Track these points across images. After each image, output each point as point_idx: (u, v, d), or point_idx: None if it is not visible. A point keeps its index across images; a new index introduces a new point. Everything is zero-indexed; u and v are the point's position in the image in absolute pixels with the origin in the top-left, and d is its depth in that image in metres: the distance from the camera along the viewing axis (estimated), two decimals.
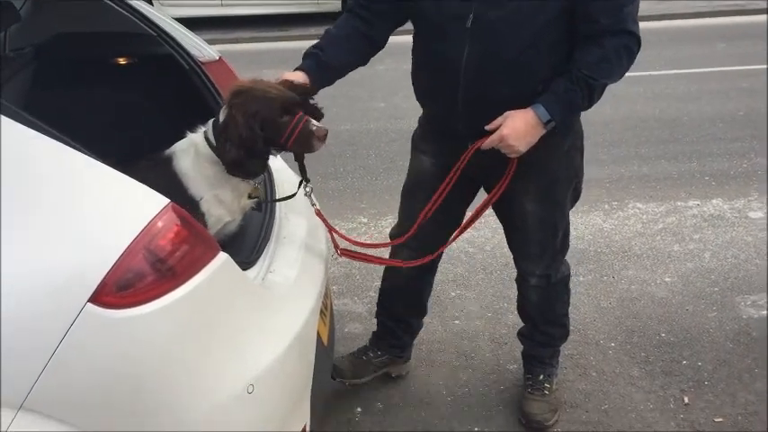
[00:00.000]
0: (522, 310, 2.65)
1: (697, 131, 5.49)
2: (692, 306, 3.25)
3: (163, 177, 1.83)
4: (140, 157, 1.94)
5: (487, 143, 2.09)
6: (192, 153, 1.94)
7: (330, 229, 2.20)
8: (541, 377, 2.64)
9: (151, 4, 3.87)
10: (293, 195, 2.15)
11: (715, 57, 7.52)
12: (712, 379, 2.77)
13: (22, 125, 1.43)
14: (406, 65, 2.27)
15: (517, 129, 2.04)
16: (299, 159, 2.10)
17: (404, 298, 2.71)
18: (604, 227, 4.04)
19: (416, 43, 2.22)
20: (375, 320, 2.81)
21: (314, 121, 1.91)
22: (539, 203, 2.30)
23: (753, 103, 6.05)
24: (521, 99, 2.05)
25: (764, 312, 3.16)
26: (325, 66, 2.15)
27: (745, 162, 4.88)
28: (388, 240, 2.54)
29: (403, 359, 2.82)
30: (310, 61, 2.14)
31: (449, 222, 2.45)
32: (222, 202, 1.95)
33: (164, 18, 2.74)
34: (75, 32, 2.73)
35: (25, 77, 2.66)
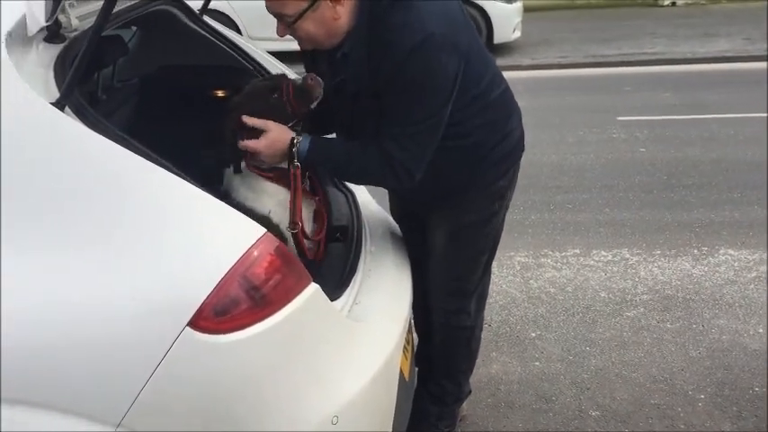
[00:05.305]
0: None
1: None
2: None
3: None
4: None
5: (244, 144, 2.04)
6: (242, 185, 2.06)
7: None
8: None
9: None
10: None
11: None
12: None
13: (133, 153, 1.50)
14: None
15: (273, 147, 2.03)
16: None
17: None
18: (693, 273, 3.89)
19: None
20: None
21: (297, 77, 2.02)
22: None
23: None
24: None
25: None
26: None
27: None
28: None
29: None
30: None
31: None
32: (286, 204, 2.02)
33: (259, 52, 2.84)
34: (178, 65, 2.86)
35: (131, 107, 2.80)
